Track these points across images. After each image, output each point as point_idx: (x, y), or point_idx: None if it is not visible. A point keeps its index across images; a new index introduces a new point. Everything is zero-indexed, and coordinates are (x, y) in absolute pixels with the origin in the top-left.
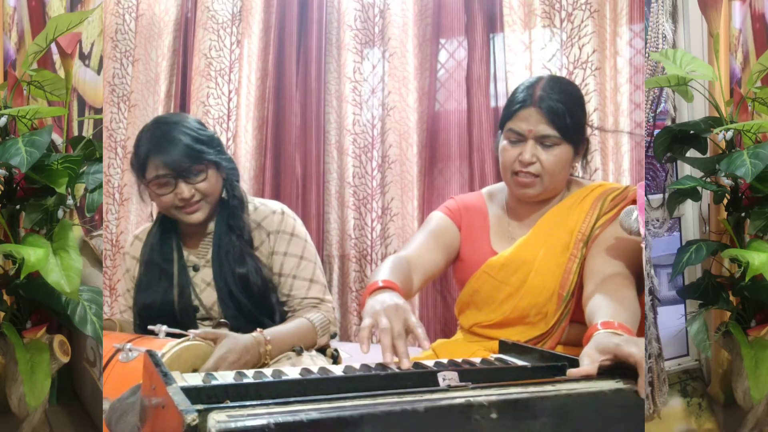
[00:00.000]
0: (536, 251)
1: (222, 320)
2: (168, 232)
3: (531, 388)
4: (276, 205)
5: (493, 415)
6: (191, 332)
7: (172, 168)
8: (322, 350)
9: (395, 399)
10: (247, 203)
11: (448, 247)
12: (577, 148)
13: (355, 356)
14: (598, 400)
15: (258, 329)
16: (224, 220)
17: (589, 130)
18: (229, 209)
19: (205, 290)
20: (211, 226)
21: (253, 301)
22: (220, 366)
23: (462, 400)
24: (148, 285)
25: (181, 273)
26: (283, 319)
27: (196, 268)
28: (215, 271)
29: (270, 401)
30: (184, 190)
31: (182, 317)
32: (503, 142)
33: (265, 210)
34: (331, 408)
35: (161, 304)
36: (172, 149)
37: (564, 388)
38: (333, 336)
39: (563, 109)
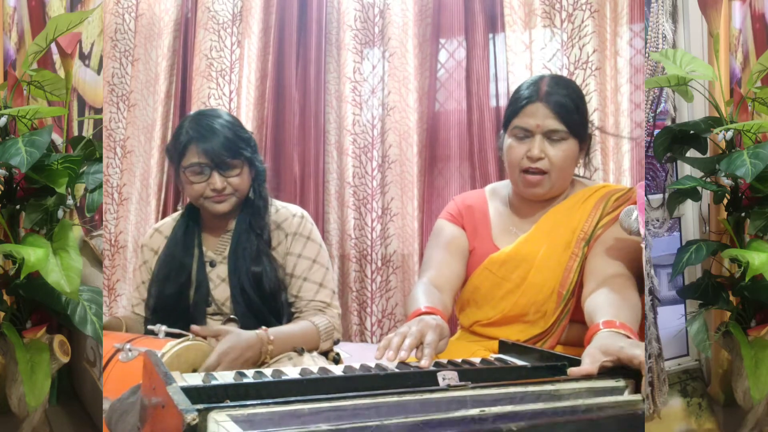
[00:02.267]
0: (538, 249)
1: (232, 317)
2: (191, 227)
3: (531, 388)
4: (297, 209)
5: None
6: (193, 327)
7: (211, 157)
8: (324, 354)
9: (395, 399)
10: (270, 205)
11: (462, 253)
12: (582, 144)
13: (355, 356)
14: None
15: (262, 327)
16: (246, 218)
17: (591, 128)
18: (253, 208)
19: (219, 286)
20: (232, 223)
21: (264, 300)
22: (222, 362)
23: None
24: (167, 278)
25: (200, 268)
26: (290, 320)
27: (212, 264)
28: (230, 267)
29: (270, 401)
30: (217, 181)
31: (196, 312)
32: (509, 140)
33: (285, 213)
34: (332, 408)
35: (178, 298)
36: (214, 139)
37: (564, 387)
38: (336, 342)
39: (570, 103)
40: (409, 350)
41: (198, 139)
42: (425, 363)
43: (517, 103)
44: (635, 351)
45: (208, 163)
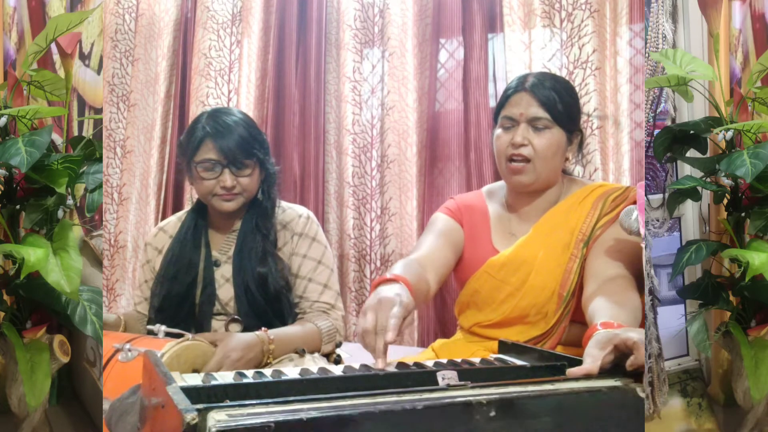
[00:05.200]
0: (537, 251)
1: (235, 317)
2: (200, 224)
3: (530, 388)
4: (302, 210)
5: (492, 413)
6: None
7: (225, 155)
8: (325, 356)
9: (394, 398)
10: (277, 206)
11: (455, 245)
12: (570, 137)
13: (355, 356)
14: (598, 399)
15: (263, 328)
16: (252, 219)
17: (586, 123)
18: (260, 209)
19: (223, 286)
20: (238, 223)
21: (269, 301)
22: (224, 364)
23: (461, 399)
24: (174, 277)
25: (208, 267)
26: (294, 321)
27: (217, 264)
28: (235, 267)
29: (269, 400)
30: (228, 179)
31: (201, 312)
32: (497, 131)
33: (292, 213)
34: (331, 407)
35: (184, 297)
36: (230, 137)
37: (564, 387)
38: (338, 345)
39: (554, 93)
40: (386, 353)
41: (214, 136)
42: (390, 337)
43: (504, 95)
44: (630, 334)
45: (221, 161)
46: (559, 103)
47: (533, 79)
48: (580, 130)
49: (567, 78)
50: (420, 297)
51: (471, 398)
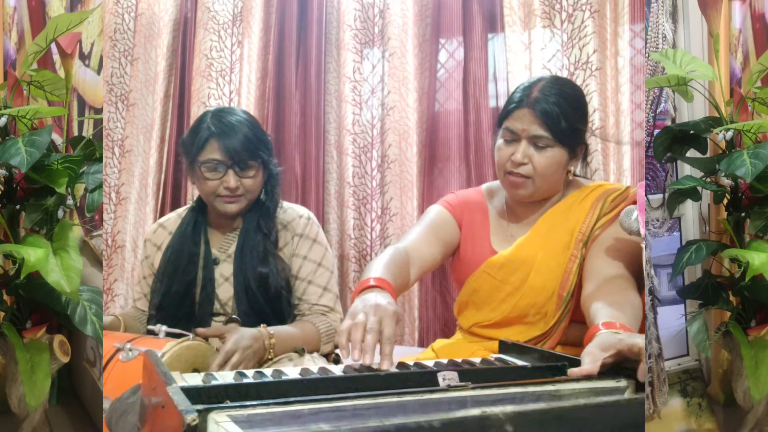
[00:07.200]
0: (536, 251)
1: (234, 316)
2: (199, 222)
3: (531, 388)
4: (303, 210)
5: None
6: (198, 330)
7: (230, 155)
8: (324, 356)
9: (395, 399)
10: (279, 206)
11: (446, 242)
12: (573, 152)
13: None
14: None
15: (262, 325)
16: (254, 219)
17: (590, 137)
18: (263, 209)
19: (222, 285)
20: (239, 221)
21: (268, 301)
22: (237, 350)
23: (477, 414)
24: (173, 275)
25: (207, 266)
26: (292, 322)
27: (216, 262)
28: (236, 266)
29: (270, 401)
30: (232, 180)
31: (200, 310)
32: (499, 141)
33: (293, 213)
34: (332, 408)
35: (183, 295)
36: (235, 137)
37: (564, 387)
38: (337, 346)
39: (558, 111)
40: (373, 349)
41: (219, 135)
42: (387, 365)
43: (508, 105)
44: (634, 339)
45: (225, 161)
46: (563, 120)
47: (538, 93)
48: (585, 143)
49: (572, 82)
50: (399, 294)
51: (489, 413)
